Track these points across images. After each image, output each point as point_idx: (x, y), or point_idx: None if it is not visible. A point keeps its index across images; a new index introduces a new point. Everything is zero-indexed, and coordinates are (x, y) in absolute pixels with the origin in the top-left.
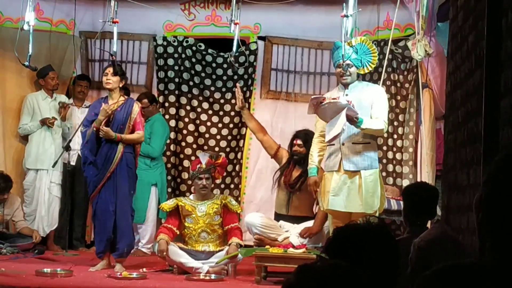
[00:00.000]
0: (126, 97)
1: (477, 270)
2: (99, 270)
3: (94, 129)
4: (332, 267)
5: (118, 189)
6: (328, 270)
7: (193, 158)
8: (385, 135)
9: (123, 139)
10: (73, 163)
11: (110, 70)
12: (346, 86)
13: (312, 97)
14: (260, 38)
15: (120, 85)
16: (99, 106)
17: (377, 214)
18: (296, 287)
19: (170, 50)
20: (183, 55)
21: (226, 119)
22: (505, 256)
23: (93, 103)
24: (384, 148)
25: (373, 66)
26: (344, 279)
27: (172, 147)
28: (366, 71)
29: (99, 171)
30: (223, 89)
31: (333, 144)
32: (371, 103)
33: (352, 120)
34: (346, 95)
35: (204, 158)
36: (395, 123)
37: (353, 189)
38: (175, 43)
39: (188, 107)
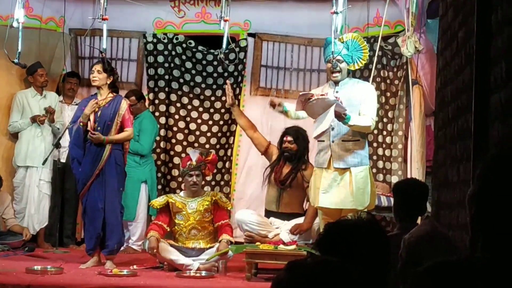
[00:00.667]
0: (114, 94)
1: (468, 267)
2: (90, 267)
3: (81, 124)
4: (322, 263)
5: (107, 186)
6: (318, 266)
7: (183, 155)
8: (375, 131)
9: (113, 140)
10: (63, 160)
11: (96, 67)
12: (336, 83)
13: (300, 93)
14: (250, 35)
15: (108, 82)
16: (87, 103)
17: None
18: (286, 284)
19: (160, 47)
20: (173, 52)
21: (217, 116)
22: (496, 253)
23: (82, 101)
24: (375, 144)
25: (363, 62)
26: (334, 275)
27: (162, 144)
28: (357, 67)
29: (87, 169)
30: (214, 86)
31: (323, 141)
32: (361, 101)
33: (340, 116)
34: (337, 92)
35: (194, 155)
36: (385, 120)
37: (344, 186)
38: (165, 40)
39: (178, 104)
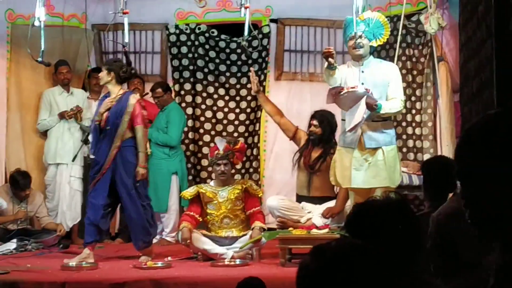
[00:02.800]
0: (125, 90)
1: None
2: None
3: (97, 123)
4: (345, 247)
5: (119, 185)
6: (341, 250)
7: (211, 144)
8: (404, 110)
9: (145, 157)
10: (92, 156)
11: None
12: (359, 59)
13: (331, 87)
14: (272, 20)
15: (109, 79)
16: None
17: None
18: (312, 268)
19: (183, 38)
20: (196, 42)
21: (243, 104)
22: None
23: (101, 99)
24: (404, 124)
25: (385, 38)
26: (357, 258)
27: (190, 134)
28: (379, 43)
29: (97, 166)
30: (238, 74)
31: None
32: (387, 82)
33: (372, 107)
34: (362, 72)
35: (221, 144)
36: (413, 98)
37: (375, 165)
38: (188, 31)
39: (204, 94)
